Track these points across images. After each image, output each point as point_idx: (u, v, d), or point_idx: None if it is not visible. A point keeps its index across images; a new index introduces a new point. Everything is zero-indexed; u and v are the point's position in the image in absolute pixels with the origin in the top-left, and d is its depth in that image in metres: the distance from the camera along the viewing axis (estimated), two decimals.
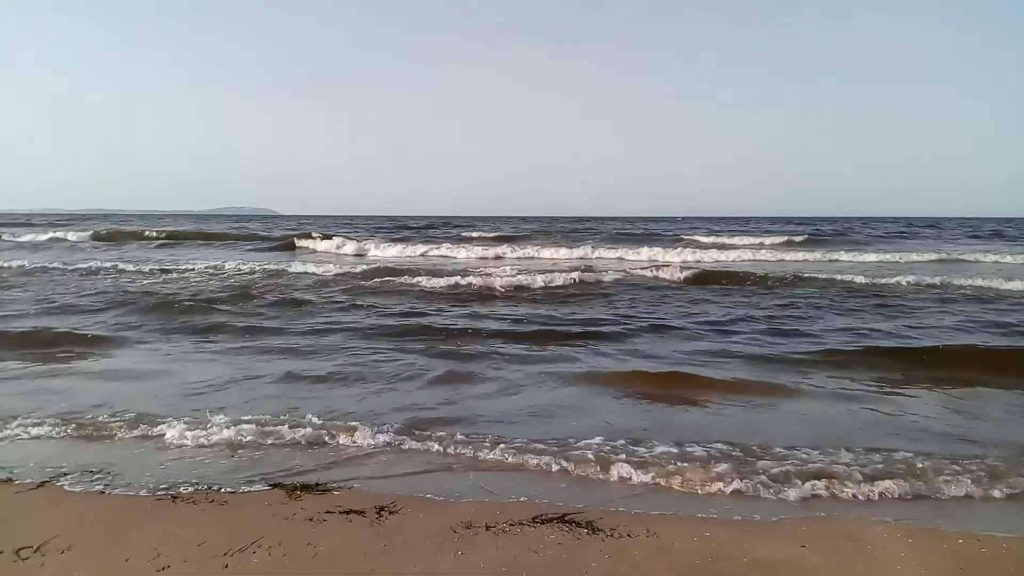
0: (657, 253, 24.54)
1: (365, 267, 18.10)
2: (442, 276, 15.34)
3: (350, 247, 27.84)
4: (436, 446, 4.68)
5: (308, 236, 30.86)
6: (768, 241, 31.65)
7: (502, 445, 4.64)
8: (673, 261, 21.46)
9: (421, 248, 26.96)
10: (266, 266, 18.45)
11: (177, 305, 11.12)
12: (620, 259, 23.93)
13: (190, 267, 18.19)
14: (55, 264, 18.82)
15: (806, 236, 34.04)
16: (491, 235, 36.58)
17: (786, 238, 32.48)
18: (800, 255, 24.86)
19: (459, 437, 4.83)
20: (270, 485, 4.07)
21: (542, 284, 14.61)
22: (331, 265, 17.98)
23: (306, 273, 17.05)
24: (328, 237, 30.09)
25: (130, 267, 18.17)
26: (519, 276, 15.25)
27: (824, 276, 16.04)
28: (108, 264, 18.80)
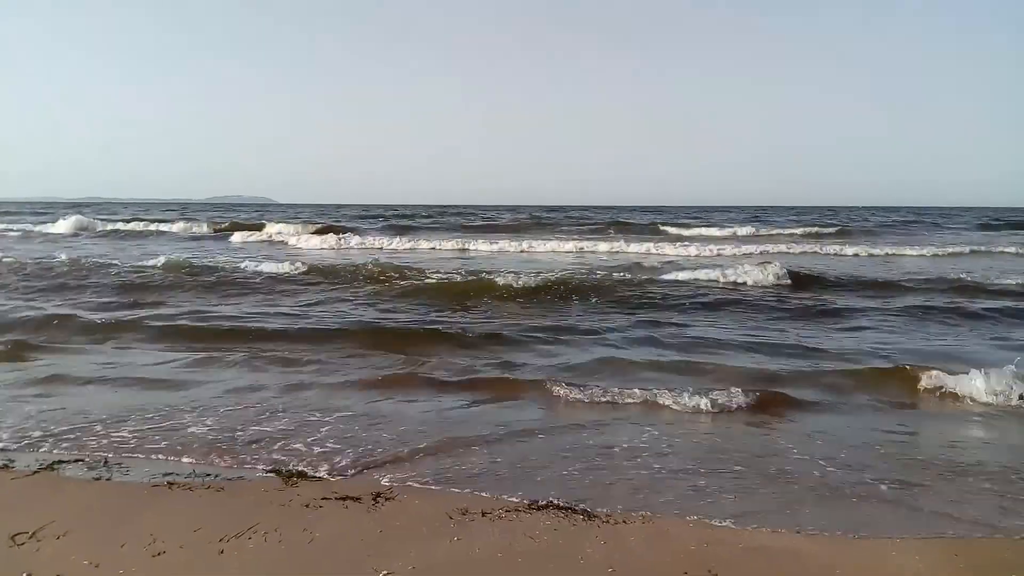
0: (690, 246, 21.72)
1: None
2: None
3: (323, 239, 24.70)
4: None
5: (245, 227, 29.07)
6: (801, 231, 31.09)
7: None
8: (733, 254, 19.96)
9: (408, 241, 24.12)
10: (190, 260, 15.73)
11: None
12: (648, 252, 20.97)
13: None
14: None
15: (838, 227, 33.31)
16: (490, 225, 35.66)
17: (815, 228, 32.18)
18: (846, 248, 21.87)
19: None
20: (267, 471, 4.08)
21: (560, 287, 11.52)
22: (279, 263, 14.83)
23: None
24: (327, 231, 27.94)
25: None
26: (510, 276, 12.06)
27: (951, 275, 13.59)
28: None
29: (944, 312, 9.98)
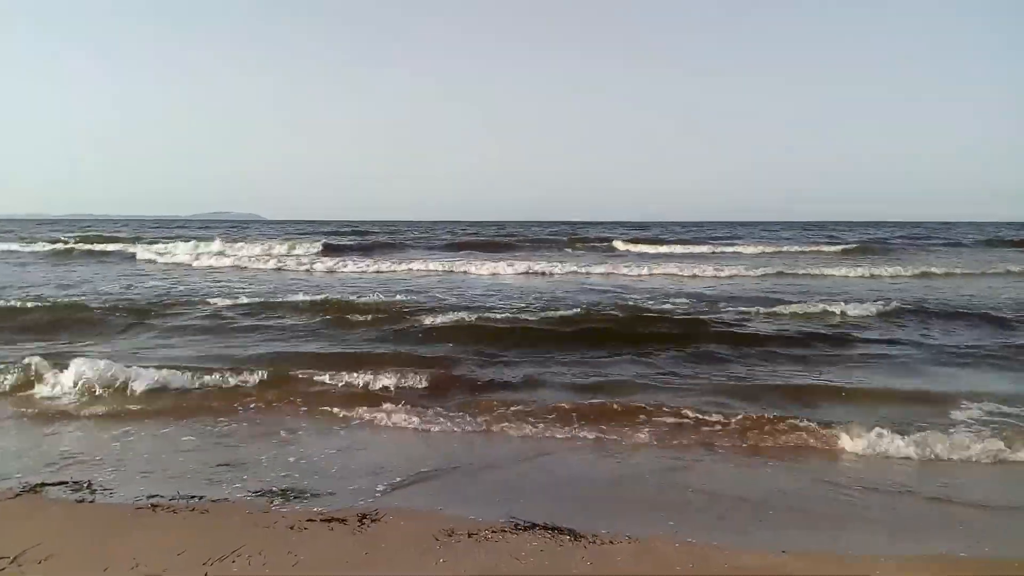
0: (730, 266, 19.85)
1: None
2: None
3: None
4: None
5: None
6: (836, 249, 28.44)
7: None
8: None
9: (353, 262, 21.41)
10: None
11: None
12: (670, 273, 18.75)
13: None
14: None
15: (856, 244, 30.53)
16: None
17: (841, 247, 29.23)
18: (892, 267, 19.87)
19: None
20: (251, 493, 4.06)
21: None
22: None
23: None
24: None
25: None
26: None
27: None
28: None
29: None
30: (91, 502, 3.92)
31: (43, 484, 4.14)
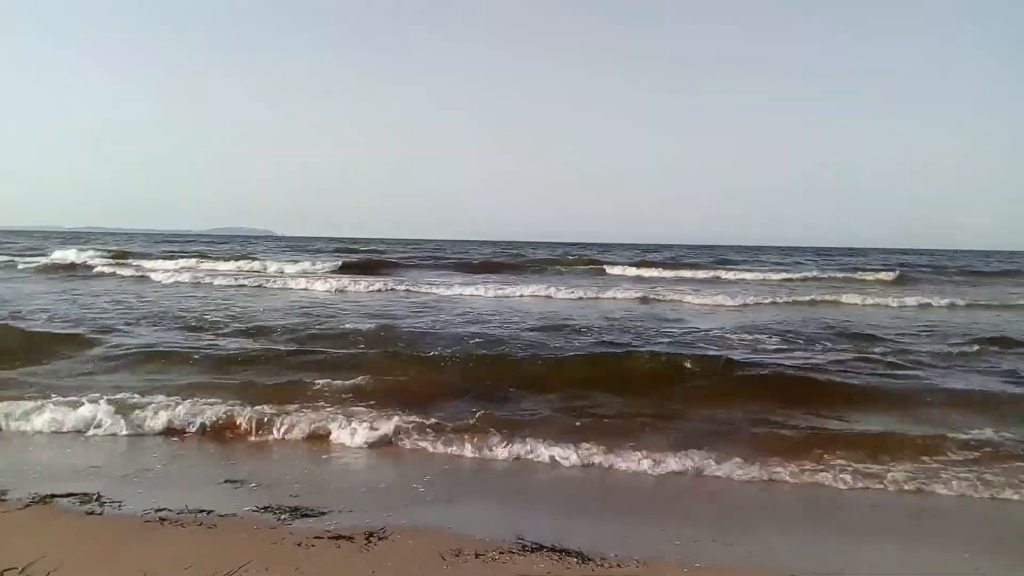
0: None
1: None
2: None
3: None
4: None
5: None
6: (870, 277, 26.58)
7: None
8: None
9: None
10: None
11: None
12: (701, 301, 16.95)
13: None
14: None
15: (899, 272, 27.79)
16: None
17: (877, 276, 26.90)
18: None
19: None
20: (259, 509, 4.06)
21: None
22: None
23: None
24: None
25: None
26: None
27: None
28: None
29: None
30: (99, 514, 3.94)
31: (52, 495, 4.15)
